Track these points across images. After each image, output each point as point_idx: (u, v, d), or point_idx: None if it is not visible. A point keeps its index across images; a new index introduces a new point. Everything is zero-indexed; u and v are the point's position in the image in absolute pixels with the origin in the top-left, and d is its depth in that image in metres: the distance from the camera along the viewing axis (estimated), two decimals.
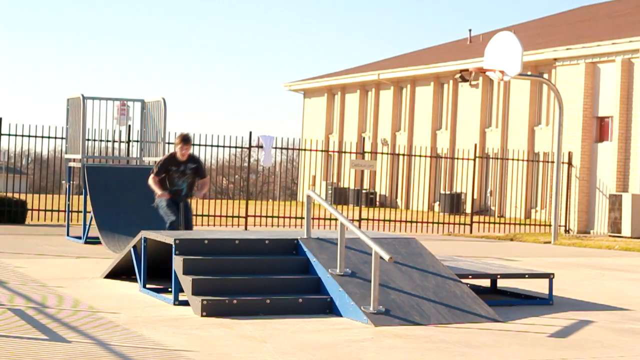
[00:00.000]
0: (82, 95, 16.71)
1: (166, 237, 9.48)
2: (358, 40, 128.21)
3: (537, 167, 32.66)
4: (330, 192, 39.03)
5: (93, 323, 7.99)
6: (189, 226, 12.97)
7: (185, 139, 12.91)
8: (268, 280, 9.23)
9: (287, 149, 25.05)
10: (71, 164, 17.35)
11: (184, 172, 12.89)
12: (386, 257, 8.32)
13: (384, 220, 25.27)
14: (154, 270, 10.20)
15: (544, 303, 10.30)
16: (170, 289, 9.45)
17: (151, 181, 12.84)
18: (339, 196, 38.77)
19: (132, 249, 10.19)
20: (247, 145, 24.07)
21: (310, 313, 8.80)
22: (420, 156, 26.68)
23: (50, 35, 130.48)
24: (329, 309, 8.98)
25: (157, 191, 12.71)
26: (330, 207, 9.43)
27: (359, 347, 7.44)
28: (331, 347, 7.38)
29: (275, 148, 24.26)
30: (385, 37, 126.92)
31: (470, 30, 45.16)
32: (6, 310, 8.47)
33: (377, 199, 39.65)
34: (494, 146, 35.39)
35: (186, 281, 8.90)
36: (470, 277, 10.14)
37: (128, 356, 6.70)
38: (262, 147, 23.75)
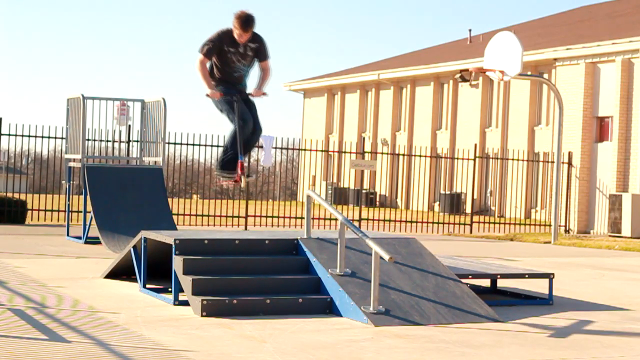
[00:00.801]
0: (82, 95, 16.71)
1: (166, 237, 9.48)
2: (358, 40, 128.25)
3: (537, 167, 32.66)
4: (330, 192, 39.03)
5: (93, 323, 7.99)
6: (257, 126, 9.95)
7: (246, 23, 9.52)
8: (268, 280, 9.22)
9: (287, 149, 25.05)
10: (71, 164, 17.35)
11: (244, 54, 9.73)
12: (386, 257, 8.31)
13: (384, 220, 25.27)
14: (154, 270, 10.20)
15: (544, 303, 10.30)
16: (170, 289, 9.45)
17: (198, 67, 9.61)
18: (339, 196, 38.77)
19: (132, 249, 10.19)
20: None
21: (310, 313, 8.80)
22: (420, 156, 26.68)
23: (51, 35, 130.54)
24: (329, 309, 8.98)
25: (206, 86, 9.62)
26: (330, 207, 9.43)
27: (359, 347, 7.44)
28: (331, 347, 7.38)
29: (275, 148, 24.26)
30: (385, 37, 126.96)
31: (470, 30, 45.18)
32: (6, 310, 8.47)
33: (377, 199, 39.65)
34: (494, 146, 35.39)
35: (186, 281, 8.89)
36: (470, 277, 10.14)
37: (128, 356, 6.70)
38: (262, 147, 23.75)
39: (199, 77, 9.59)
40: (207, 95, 9.48)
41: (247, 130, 9.61)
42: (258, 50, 9.73)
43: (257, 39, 9.69)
